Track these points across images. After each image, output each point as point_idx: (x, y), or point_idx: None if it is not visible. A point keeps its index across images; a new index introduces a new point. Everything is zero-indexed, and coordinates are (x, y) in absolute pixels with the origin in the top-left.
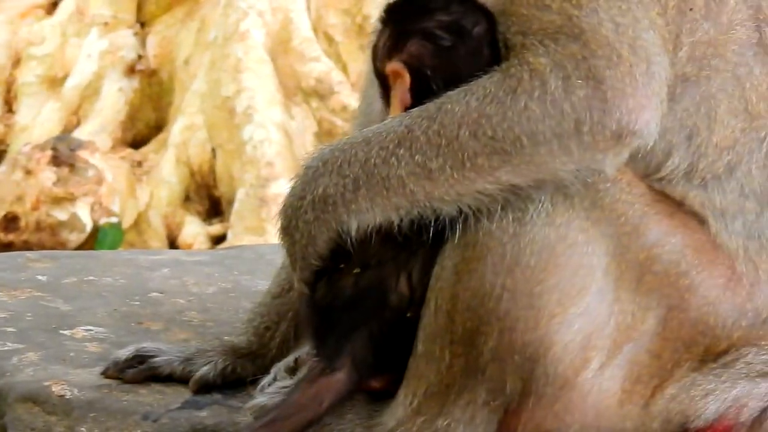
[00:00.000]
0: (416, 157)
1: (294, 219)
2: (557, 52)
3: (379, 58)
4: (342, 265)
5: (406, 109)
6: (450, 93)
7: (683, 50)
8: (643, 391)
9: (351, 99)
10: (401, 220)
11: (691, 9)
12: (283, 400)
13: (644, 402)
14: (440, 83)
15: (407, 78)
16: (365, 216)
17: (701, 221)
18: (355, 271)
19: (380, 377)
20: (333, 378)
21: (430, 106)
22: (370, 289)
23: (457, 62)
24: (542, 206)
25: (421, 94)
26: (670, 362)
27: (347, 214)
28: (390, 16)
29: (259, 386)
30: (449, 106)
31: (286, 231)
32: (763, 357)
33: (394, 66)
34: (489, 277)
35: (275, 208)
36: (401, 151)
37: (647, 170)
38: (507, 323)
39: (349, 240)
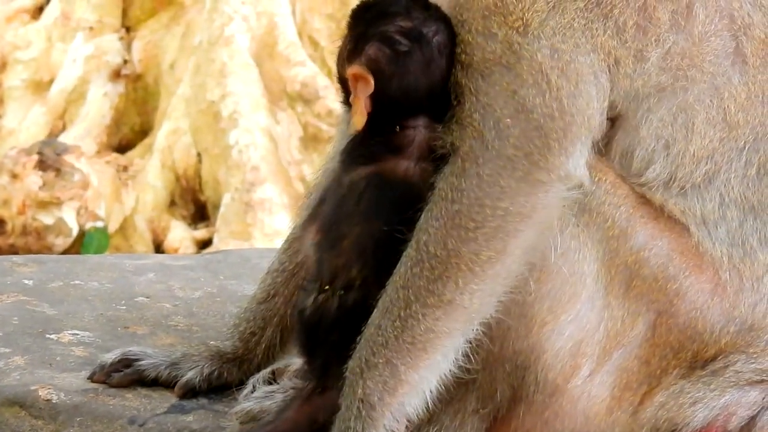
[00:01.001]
0: (429, 301)
1: None
2: (487, 94)
3: (340, 62)
4: (327, 287)
5: (368, 115)
6: (418, 225)
7: (649, 62)
8: (632, 398)
9: (336, 104)
10: (456, 360)
11: (654, 25)
12: (278, 415)
13: (633, 409)
14: (397, 88)
15: (371, 82)
16: (419, 388)
17: (685, 226)
18: (339, 292)
19: None
20: (326, 395)
21: (410, 251)
22: (355, 309)
23: (413, 68)
24: None
25: (379, 99)
26: (658, 369)
27: (400, 402)
28: (353, 21)
29: (242, 394)
30: (425, 236)
31: None
32: (752, 365)
33: (354, 70)
34: None
35: (260, 213)
36: (413, 308)
37: (629, 173)
38: (498, 332)
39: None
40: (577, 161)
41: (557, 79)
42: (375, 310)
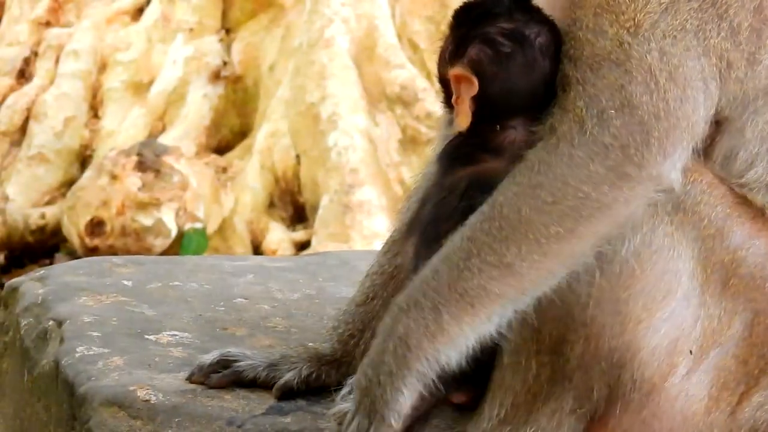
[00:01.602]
0: (489, 259)
1: (374, 375)
2: (594, 86)
3: (441, 63)
4: None
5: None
6: (500, 186)
7: (761, 65)
8: (730, 398)
9: (435, 106)
10: (500, 326)
11: None
12: None
13: (731, 409)
14: (499, 89)
15: (475, 83)
16: (457, 341)
17: None
18: None
19: (463, 392)
20: None
21: (484, 208)
22: None
23: (515, 70)
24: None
25: (481, 101)
26: (756, 368)
27: (436, 349)
28: (454, 22)
29: (339, 395)
30: (501, 197)
31: (366, 391)
32: None
33: (457, 71)
34: (574, 286)
35: (359, 215)
36: (472, 261)
37: (729, 174)
38: (593, 330)
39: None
40: (672, 164)
41: (666, 81)
42: (437, 254)
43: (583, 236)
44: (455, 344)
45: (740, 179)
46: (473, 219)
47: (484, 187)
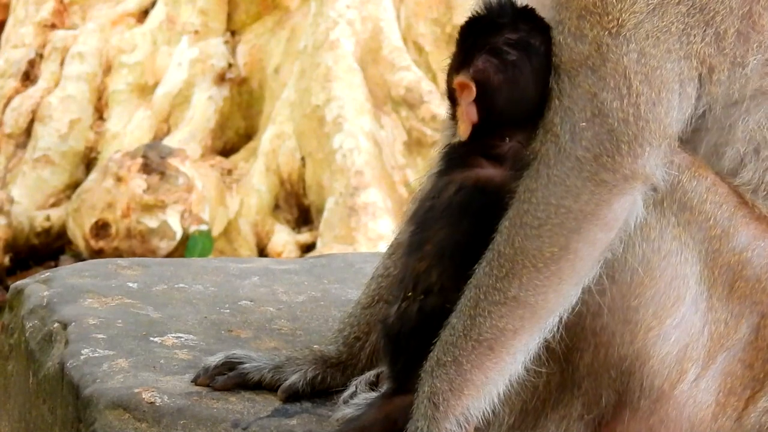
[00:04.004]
0: (495, 298)
1: None
2: (569, 97)
3: (449, 75)
4: (410, 294)
5: (473, 125)
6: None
7: (749, 67)
8: (736, 404)
9: (440, 108)
10: (527, 361)
11: (757, 32)
12: (362, 413)
13: (737, 415)
14: (506, 99)
15: (473, 90)
16: (485, 391)
17: None
18: (419, 297)
19: None
20: (407, 398)
21: (486, 253)
22: (435, 314)
23: (521, 78)
24: (635, 223)
25: (487, 110)
26: (762, 372)
27: (464, 405)
28: (461, 34)
29: (341, 398)
30: (498, 237)
31: None
32: None
33: (459, 80)
34: (585, 296)
35: (364, 217)
36: (481, 305)
37: (725, 174)
38: (603, 338)
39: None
40: (645, 162)
41: (639, 84)
42: (453, 312)
43: (579, 250)
44: (483, 394)
45: (733, 179)
46: (477, 267)
47: (474, 193)
